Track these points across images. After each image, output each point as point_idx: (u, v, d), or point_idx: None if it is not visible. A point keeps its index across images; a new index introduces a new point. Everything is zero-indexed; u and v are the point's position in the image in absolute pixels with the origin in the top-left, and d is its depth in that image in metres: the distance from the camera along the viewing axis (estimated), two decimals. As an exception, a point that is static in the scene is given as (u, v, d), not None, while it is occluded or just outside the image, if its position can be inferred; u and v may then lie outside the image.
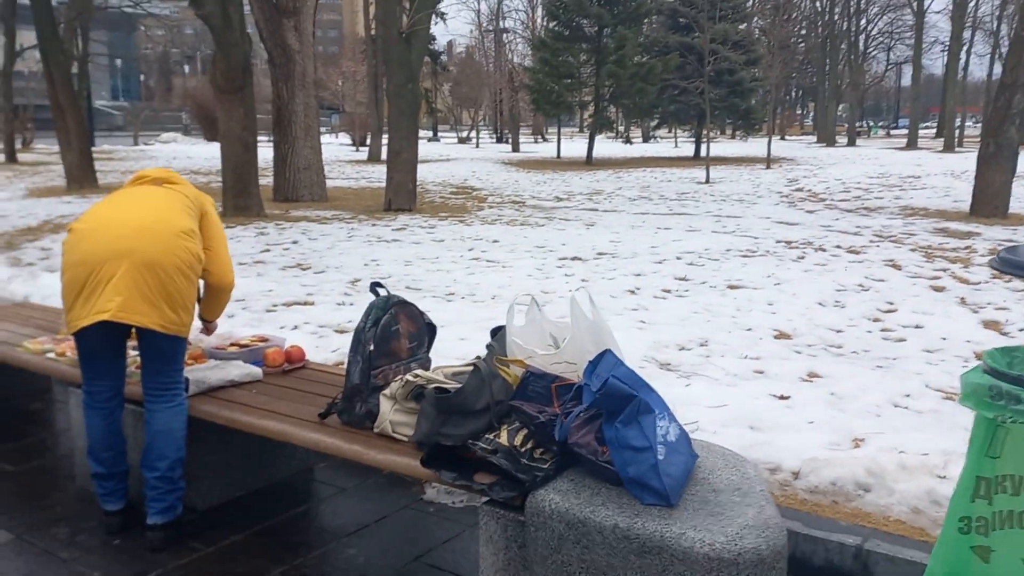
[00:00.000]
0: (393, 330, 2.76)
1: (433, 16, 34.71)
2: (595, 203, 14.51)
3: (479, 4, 48.92)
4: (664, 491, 2.14)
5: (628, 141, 32.37)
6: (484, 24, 47.62)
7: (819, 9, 46.73)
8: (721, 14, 27.59)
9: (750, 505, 2.17)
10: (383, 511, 3.14)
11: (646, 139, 48.39)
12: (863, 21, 48.85)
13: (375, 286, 2.86)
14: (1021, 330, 5.39)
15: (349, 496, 3.30)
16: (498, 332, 2.71)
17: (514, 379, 2.55)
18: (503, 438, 2.44)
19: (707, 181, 18.73)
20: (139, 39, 56.16)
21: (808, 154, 31.83)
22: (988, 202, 11.79)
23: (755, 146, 34.93)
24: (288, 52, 13.92)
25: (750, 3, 36.77)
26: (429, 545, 2.89)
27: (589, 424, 2.33)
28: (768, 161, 25.07)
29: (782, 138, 52.38)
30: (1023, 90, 11.81)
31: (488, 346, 2.66)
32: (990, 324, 5.55)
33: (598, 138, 30.38)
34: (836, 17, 45.96)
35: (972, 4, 38.40)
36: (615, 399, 2.23)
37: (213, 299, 3.10)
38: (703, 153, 23.65)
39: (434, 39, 35.68)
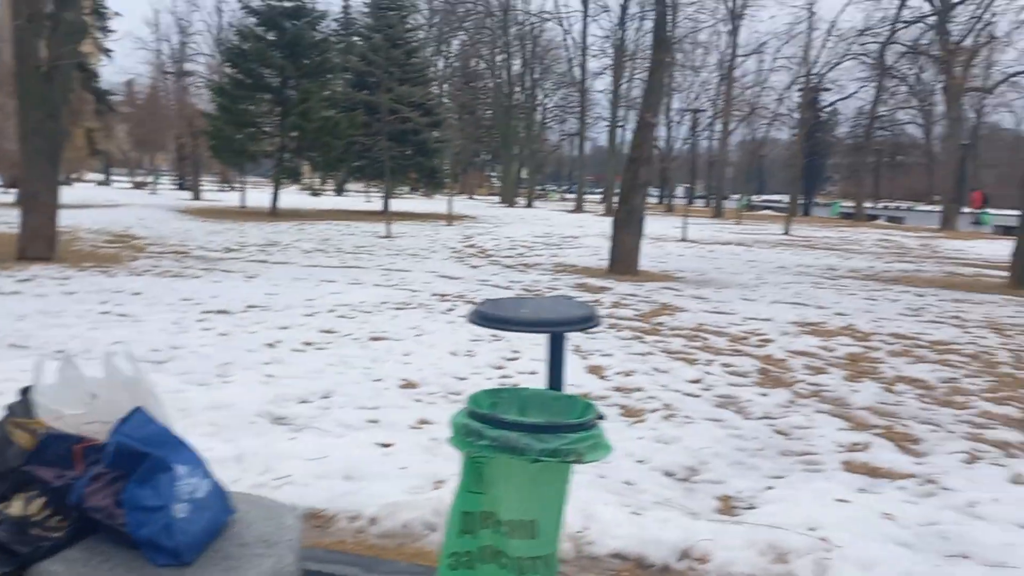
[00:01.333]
0: None
1: (100, 54, 31.97)
2: (267, 255, 14.16)
3: (160, 44, 46.01)
4: (177, 550, 2.07)
5: (316, 193, 32.21)
6: (164, 65, 45.00)
7: (498, 83, 50.40)
8: (406, 76, 28.72)
9: (271, 556, 2.17)
10: None
11: (339, 192, 48.41)
12: (540, 95, 53.53)
13: None
14: (618, 373, 6.08)
15: None
16: (26, 392, 2.49)
17: (31, 442, 2.34)
18: (14, 508, 2.22)
19: (387, 236, 19.16)
20: None
21: (489, 213, 33.93)
22: (622, 260, 13.35)
23: (442, 203, 36.47)
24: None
25: (435, 69, 38.64)
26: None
27: (112, 486, 2.20)
28: (449, 218, 26.28)
29: (470, 197, 55.30)
30: (647, 164, 13.63)
31: (8, 407, 2.42)
32: (593, 369, 6.20)
33: (291, 189, 29.85)
34: (515, 90, 49.87)
35: (625, 87, 43.77)
36: (126, 458, 2.13)
37: None
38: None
39: (97, 77, 33.04)
